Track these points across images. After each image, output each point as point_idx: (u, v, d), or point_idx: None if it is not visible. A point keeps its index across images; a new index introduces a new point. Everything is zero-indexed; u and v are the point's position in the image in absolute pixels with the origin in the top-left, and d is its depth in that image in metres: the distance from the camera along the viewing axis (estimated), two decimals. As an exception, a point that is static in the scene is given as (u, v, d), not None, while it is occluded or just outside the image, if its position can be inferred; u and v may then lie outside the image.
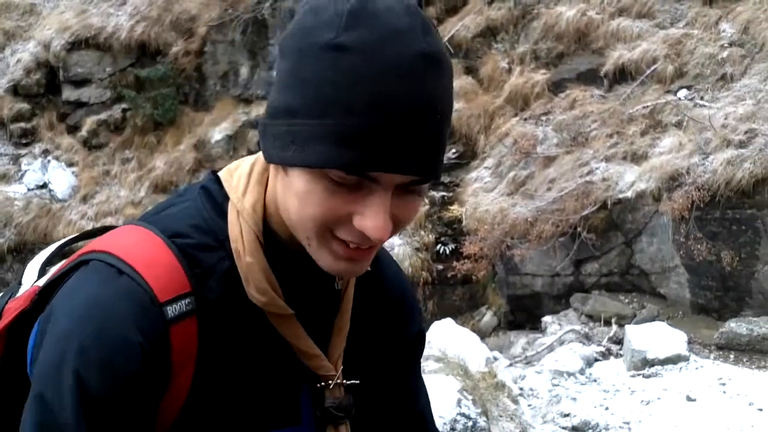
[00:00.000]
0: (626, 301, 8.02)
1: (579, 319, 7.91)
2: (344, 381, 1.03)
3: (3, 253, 11.22)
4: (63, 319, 0.88)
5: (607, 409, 5.68)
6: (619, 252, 8.17)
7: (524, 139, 9.08)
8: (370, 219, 0.85)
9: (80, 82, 12.67)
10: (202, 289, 0.92)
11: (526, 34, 10.41)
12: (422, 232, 9.51)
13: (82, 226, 11.09)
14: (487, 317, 8.99)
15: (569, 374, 6.30)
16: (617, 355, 6.91)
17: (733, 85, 8.30)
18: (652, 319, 7.44)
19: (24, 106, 12.69)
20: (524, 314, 8.60)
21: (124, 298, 0.88)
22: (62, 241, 1.18)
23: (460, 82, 10.22)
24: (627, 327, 6.98)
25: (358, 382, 1.05)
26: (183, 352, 0.90)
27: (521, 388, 6.04)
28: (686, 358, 6.38)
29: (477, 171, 9.59)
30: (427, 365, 4.77)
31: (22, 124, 12.61)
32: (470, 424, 4.19)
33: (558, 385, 6.11)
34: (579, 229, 7.99)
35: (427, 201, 9.71)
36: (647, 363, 6.35)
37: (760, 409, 5.46)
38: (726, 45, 8.71)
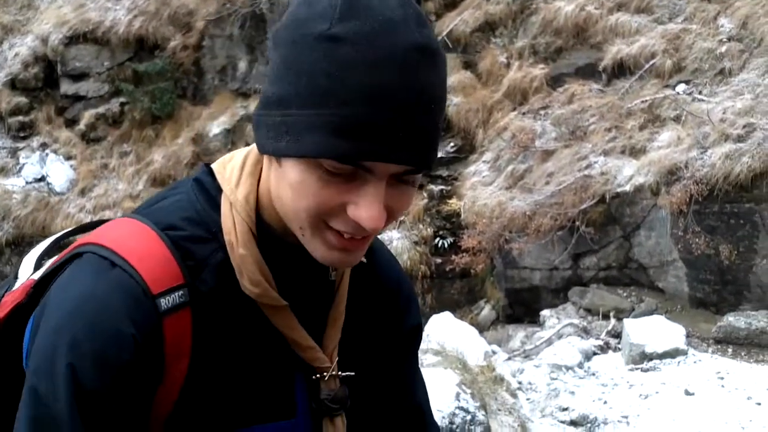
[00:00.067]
0: (624, 294, 8.02)
1: (577, 313, 7.90)
2: (340, 373, 1.03)
3: (1, 246, 11.25)
4: (56, 312, 0.88)
5: (605, 402, 5.68)
6: (618, 246, 8.16)
7: (523, 133, 9.07)
8: (364, 209, 0.85)
9: (78, 76, 12.67)
10: (195, 281, 0.92)
11: (524, 28, 10.39)
12: (421, 226, 9.51)
13: (80, 219, 11.09)
14: (486, 311, 8.99)
15: (567, 368, 6.30)
16: (615, 349, 6.91)
17: (731, 79, 8.29)
18: (651, 312, 7.44)
19: (22, 99, 12.70)
20: (522, 308, 8.60)
21: (117, 291, 0.88)
22: (58, 234, 1.18)
23: (459, 76, 10.21)
24: (625, 321, 6.97)
25: (353, 373, 1.04)
26: (176, 345, 0.90)
27: (520, 382, 6.05)
28: (684, 352, 6.38)
29: (475, 165, 9.59)
30: (425, 359, 4.76)
31: (20, 118, 12.62)
32: (469, 417, 4.18)
33: (556, 379, 6.12)
34: (577, 222, 7.99)
35: (425, 195, 9.71)
36: (645, 357, 6.35)
37: (759, 403, 5.46)
38: (724, 40, 8.70)
